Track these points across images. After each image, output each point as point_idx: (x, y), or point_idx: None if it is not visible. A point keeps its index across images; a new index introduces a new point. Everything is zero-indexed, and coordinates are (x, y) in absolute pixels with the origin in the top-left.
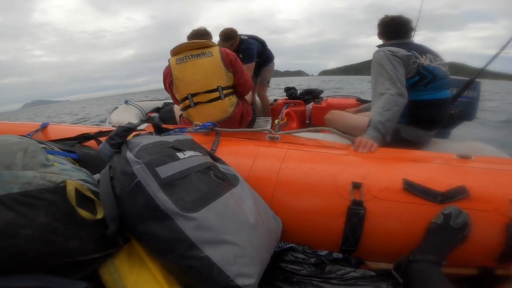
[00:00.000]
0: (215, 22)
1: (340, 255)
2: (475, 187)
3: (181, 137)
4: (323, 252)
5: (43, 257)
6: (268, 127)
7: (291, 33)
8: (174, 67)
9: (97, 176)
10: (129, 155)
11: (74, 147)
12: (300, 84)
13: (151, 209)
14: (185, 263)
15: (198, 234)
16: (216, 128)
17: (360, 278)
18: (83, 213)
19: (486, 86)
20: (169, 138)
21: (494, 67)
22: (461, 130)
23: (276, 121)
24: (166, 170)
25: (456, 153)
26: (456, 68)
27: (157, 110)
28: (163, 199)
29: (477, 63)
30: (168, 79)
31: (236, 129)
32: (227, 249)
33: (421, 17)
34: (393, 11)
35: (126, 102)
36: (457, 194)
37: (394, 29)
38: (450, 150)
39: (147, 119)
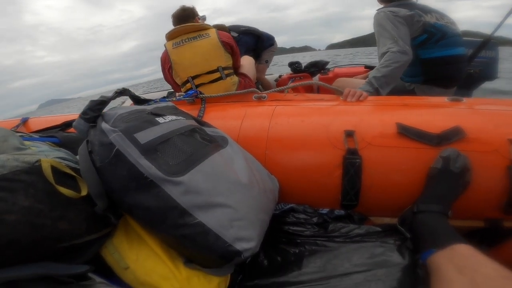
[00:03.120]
0: (213, 5)
1: (342, 212)
2: (471, 128)
3: (161, 104)
4: (325, 210)
5: (37, 243)
6: None
7: (292, 9)
8: (171, 52)
9: None
10: (105, 125)
11: (56, 134)
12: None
13: (135, 178)
14: (178, 233)
15: (188, 199)
16: (200, 95)
17: (365, 234)
18: (65, 191)
19: None
20: (148, 107)
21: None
22: None
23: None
24: (145, 136)
25: (447, 97)
26: (471, 35)
27: None
28: (146, 166)
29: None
30: (167, 64)
31: (221, 94)
32: (221, 213)
33: None
34: None
35: None
36: (452, 135)
37: None
38: None
39: (122, 90)
